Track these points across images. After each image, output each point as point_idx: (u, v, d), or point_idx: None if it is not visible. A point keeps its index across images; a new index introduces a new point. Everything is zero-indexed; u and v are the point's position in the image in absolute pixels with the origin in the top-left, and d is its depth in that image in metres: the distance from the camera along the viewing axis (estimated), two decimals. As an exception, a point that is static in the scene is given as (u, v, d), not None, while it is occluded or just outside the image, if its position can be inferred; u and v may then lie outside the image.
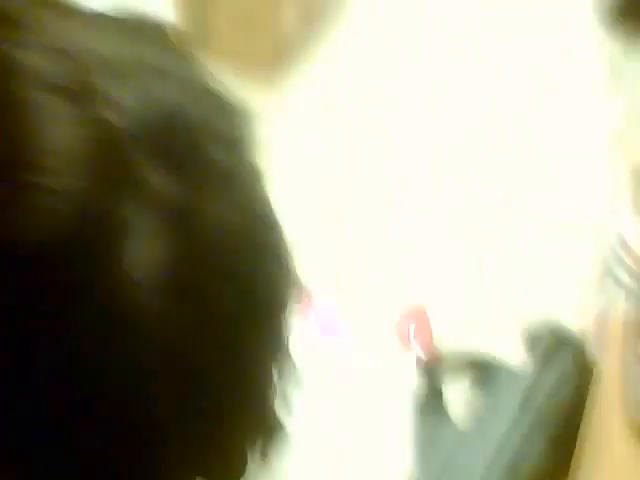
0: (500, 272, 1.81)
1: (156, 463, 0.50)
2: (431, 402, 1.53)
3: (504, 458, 1.16)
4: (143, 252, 0.39)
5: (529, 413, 1.24)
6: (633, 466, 0.46)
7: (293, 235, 0.49)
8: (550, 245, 1.83)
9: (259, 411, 0.59)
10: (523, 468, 1.20)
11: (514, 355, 1.49)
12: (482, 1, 2.33)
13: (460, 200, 1.96)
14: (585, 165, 1.95)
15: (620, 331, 0.88)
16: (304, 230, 1.85)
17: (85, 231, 0.37)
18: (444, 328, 1.67)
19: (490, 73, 2.20)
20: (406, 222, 1.93)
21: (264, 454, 0.68)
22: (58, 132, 0.37)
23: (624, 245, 1.10)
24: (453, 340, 1.65)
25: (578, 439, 1.01)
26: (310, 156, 2.07)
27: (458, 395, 1.55)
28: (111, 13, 0.47)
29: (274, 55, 2.19)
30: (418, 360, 1.61)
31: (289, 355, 0.62)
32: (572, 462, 0.92)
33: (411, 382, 1.55)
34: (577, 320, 1.38)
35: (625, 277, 1.08)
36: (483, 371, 1.58)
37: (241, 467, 0.70)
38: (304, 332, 1.67)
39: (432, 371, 1.56)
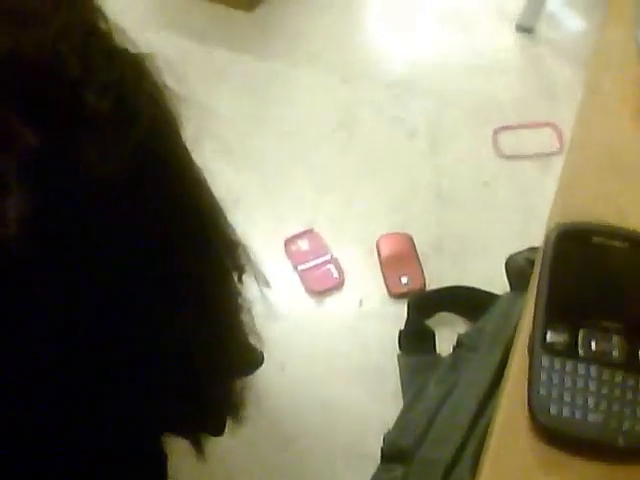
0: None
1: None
2: (417, 337, 1.57)
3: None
4: (12, 205, 0.39)
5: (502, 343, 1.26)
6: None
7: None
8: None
9: (234, 347, 0.62)
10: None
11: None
12: None
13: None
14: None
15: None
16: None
17: None
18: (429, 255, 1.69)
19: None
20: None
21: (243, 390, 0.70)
22: None
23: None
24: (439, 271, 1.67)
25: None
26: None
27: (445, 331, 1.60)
28: None
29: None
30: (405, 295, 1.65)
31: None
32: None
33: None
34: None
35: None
36: (468, 303, 1.63)
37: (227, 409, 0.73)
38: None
39: (418, 305, 1.60)
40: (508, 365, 0.52)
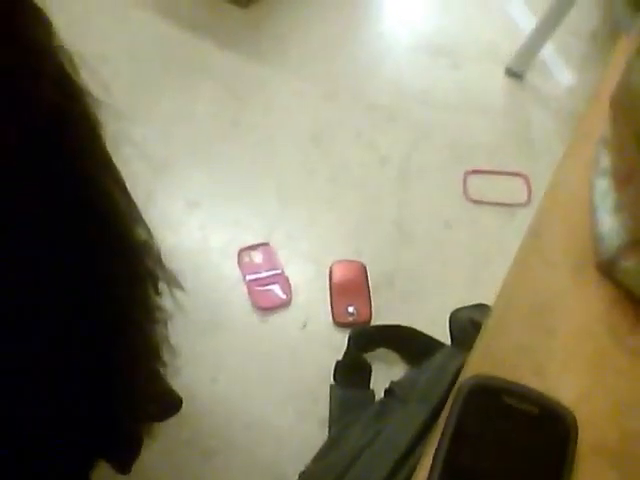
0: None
1: None
2: (353, 370, 1.57)
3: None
4: None
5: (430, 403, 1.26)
6: None
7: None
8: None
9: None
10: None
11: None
12: None
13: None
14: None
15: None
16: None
17: None
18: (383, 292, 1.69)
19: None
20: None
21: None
22: None
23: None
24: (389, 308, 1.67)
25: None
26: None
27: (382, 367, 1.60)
28: None
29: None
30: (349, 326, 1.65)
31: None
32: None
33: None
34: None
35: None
36: (409, 345, 1.63)
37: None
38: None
39: (359, 339, 1.59)
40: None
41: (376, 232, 1.79)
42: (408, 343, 1.61)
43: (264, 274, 1.70)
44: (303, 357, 1.62)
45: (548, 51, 2.09)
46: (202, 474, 1.48)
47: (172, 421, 1.47)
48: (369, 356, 1.60)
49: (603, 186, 0.56)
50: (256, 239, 1.75)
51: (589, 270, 0.55)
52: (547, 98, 2.06)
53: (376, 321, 1.67)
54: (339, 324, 1.66)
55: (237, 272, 1.70)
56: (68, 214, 0.56)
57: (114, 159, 0.70)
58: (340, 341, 1.61)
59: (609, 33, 2.16)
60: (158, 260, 0.80)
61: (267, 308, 1.66)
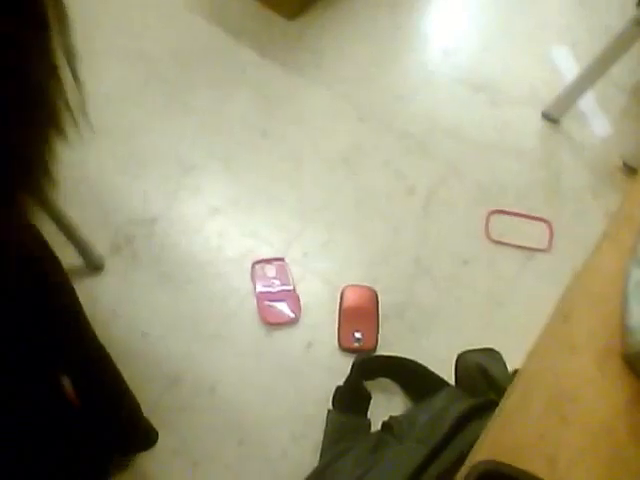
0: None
1: None
2: (352, 397, 1.56)
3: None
4: None
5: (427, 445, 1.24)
6: None
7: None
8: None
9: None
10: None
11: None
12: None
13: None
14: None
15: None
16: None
17: None
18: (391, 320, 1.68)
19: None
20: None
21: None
22: None
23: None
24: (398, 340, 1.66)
25: None
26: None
27: (381, 397, 1.59)
28: None
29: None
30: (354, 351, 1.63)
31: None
32: None
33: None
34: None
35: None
36: (412, 379, 1.62)
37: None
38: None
39: (363, 367, 1.58)
40: None
41: (393, 261, 1.78)
42: (411, 377, 1.60)
43: (275, 289, 1.69)
44: (304, 378, 1.60)
45: (587, 99, 2.07)
46: (186, 483, 1.47)
47: (164, 430, 1.47)
48: (369, 384, 1.59)
49: (638, 276, 0.55)
50: (272, 253, 1.74)
51: (615, 360, 0.53)
52: (581, 147, 2.04)
53: (381, 351, 1.66)
54: (344, 349, 1.64)
55: (249, 284, 1.69)
56: None
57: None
58: (342, 366, 1.60)
59: (651, 90, 2.15)
60: None
61: (274, 324, 1.65)
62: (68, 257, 1.60)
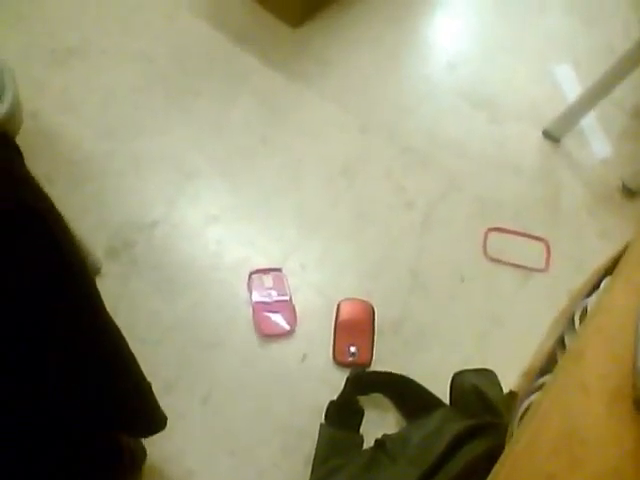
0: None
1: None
2: (346, 412, 1.55)
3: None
4: None
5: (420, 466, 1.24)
6: None
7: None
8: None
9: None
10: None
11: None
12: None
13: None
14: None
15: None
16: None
17: None
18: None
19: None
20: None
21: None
22: None
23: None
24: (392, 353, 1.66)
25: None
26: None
27: (375, 413, 1.58)
28: None
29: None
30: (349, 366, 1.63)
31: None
32: None
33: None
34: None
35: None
36: (406, 396, 1.61)
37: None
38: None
39: (357, 382, 1.58)
40: None
41: (390, 275, 1.78)
42: (405, 394, 1.59)
43: (272, 300, 1.68)
44: (297, 391, 1.60)
45: (588, 119, 2.07)
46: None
47: (156, 437, 1.46)
48: (362, 400, 1.58)
49: (651, 317, 0.55)
50: (269, 263, 1.73)
51: (626, 402, 0.53)
52: (580, 167, 2.04)
53: (375, 365, 1.65)
54: (338, 362, 1.64)
55: (245, 293, 1.68)
56: None
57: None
58: (336, 380, 1.59)
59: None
60: None
61: (269, 335, 1.64)
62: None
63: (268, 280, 1.71)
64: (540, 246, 1.88)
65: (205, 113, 1.96)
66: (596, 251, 1.87)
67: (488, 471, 0.76)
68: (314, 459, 1.49)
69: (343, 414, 1.55)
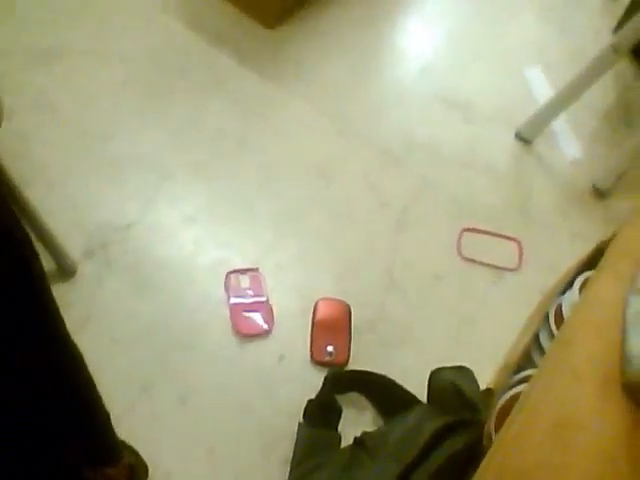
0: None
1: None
2: (324, 411, 1.55)
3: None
4: None
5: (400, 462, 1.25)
6: None
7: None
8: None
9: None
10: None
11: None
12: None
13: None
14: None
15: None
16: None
17: None
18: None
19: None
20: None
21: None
22: None
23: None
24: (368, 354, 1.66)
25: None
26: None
27: (352, 412, 1.59)
28: None
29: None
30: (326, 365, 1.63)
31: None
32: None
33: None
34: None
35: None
36: (384, 394, 1.62)
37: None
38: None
39: (334, 381, 1.58)
40: None
41: (366, 275, 1.79)
42: (382, 392, 1.60)
43: (249, 300, 1.68)
44: (275, 390, 1.60)
45: (559, 122, 2.11)
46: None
47: (134, 438, 1.45)
48: (340, 398, 1.59)
49: (638, 305, 0.56)
50: (246, 263, 1.73)
51: (615, 387, 0.54)
52: (552, 168, 2.08)
53: (352, 364, 1.66)
54: (316, 362, 1.64)
55: (222, 294, 1.68)
56: None
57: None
58: (314, 379, 1.60)
59: (622, 116, 2.20)
60: None
61: (247, 335, 1.64)
62: (40, 261, 1.57)
63: (245, 280, 1.71)
64: (513, 246, 1.91)
65: (182, 114, 1.96)
66: (567, 251, 1.90)
67: (468, 465, 0.77)
68: (293, 458, 1.49)
69: (321, 413, 1.55)
